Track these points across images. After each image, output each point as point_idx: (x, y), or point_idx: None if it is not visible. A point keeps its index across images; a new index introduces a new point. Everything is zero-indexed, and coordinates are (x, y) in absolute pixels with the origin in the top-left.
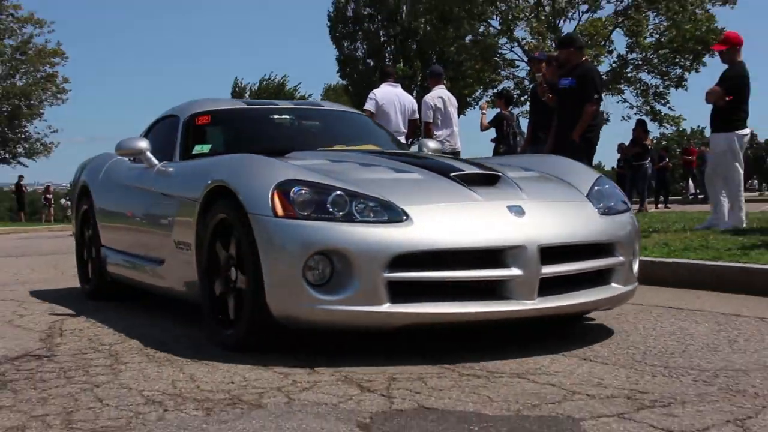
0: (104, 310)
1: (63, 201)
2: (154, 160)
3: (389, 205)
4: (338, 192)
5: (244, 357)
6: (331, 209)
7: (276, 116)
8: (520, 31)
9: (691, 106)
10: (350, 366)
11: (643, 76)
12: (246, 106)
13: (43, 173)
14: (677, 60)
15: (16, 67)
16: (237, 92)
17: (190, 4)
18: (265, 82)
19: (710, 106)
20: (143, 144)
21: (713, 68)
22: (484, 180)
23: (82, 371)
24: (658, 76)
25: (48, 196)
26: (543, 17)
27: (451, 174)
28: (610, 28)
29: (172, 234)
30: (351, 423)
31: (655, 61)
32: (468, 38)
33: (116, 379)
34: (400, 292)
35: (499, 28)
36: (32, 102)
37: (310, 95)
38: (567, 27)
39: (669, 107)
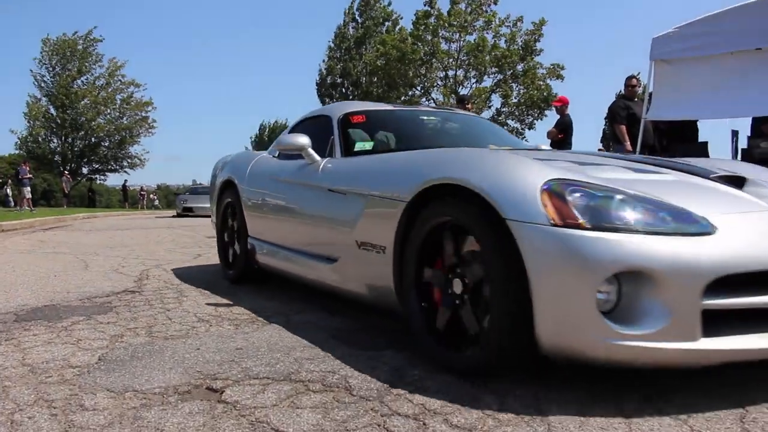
0: (173, 265)
1: (152, 196)
2: (317, 156)
3: (686, 214)
4: (621, 195)
5: (261, 292)
6: (620, 217)
7: (424, 117)
8: (435, 93)
9: (538, 140)
10: (326, 298)
11: (510, 122)
12: (394, 108)
13: (138, 178)
14: (530, 112)
15: (123, 112)
16: (261, 131)
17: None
18: (275, 124)
19: (549, 141)
20: (305, 140)
21: (551, 117)
22: (736, 182)
23: (159, 301)
24: (518, 122)
25: (142, 192)
26: (448, 85)
27: (710, 176)
28: (489, 93)
29: (352, 233)
30: (327, 333)
31: (517, 113)
32: (403, 98)
33: (180, 306)
34: (713, 322)
35: (421, 91)
36: (133, 134)
37: None
38: (463, 91)
39: (525, 140)
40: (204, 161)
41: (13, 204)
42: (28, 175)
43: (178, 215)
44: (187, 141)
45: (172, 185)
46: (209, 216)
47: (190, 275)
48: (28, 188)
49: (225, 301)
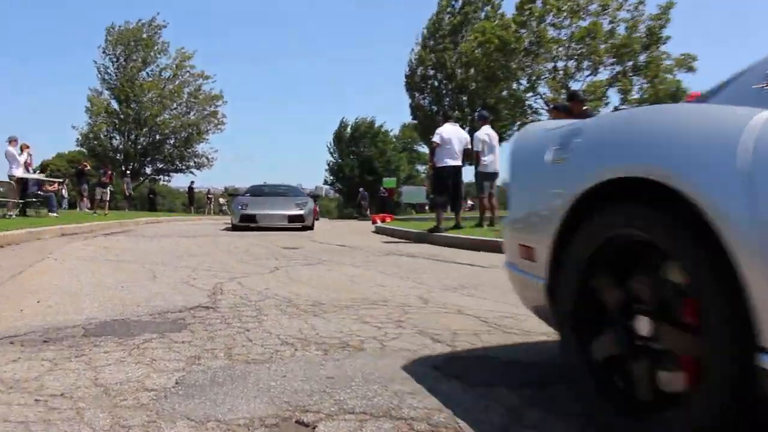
0: (250, 276)
1: (221, 200)
2: None
3: None
4: None
5: (349, 312)
6: None
7: None
8: (542, 88)
9: None
10: (426, 325)
11: None
12: None
13: (205, 180)
14: None
15: (191, 107)
16: (342, 128)
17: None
18: (359, 121)
19: None
20: None
21: None
22: None
23: (236, 319)
24: None
25: (209, 196)
26: (557, 78)
27: None
28: (605, 87)
29: None
30: (426, 366)
31: None
32: (504, 92)
33: (260, 326)
34: None
35: (527, 85)
36: (201, 131)
37: (391, 130)
38: (575, 85)
39: None
40: (279, 161)
41: (88, 206)
42: (107, 178)
43: (235, 227)
44: (260, 139)
45: (241, 188)
46: (281, 228)
47: (268, 291)
48: (108, 192)
49: (310, 322)
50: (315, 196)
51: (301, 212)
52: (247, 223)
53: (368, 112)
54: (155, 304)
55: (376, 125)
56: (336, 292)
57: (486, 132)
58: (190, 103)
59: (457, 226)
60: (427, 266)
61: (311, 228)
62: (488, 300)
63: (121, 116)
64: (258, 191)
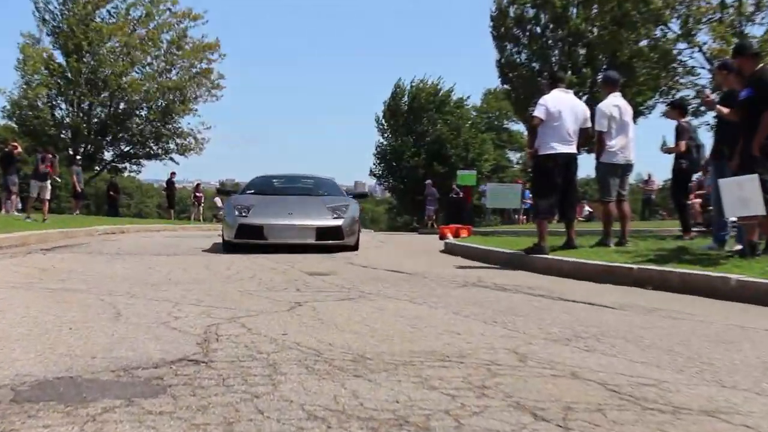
0: (259, 315)
1: (217, 201)
2: None
3: None
4: None
5: (407, 373)
6: None
7: None
8: (702, 35)
9: None
10: (523, 394)
11: None
12: None
13: (193, 171)
14: None
15: (171, 61)
16: (397, 95)
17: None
18: (420, 84)
19: None
20: None
21: None
22: None
23: (240, 380)
24: None
25: (198, 194)
26: (728, 22)
27: None
28: None
29: None
30: None
31: None
32: (643, 42)
33: (276, 391)
34: None
35: (678, 32)
36: (186, 98)
37: (467, 98)
38: (756, 31)
39: None
40: (301, 148)
41: (19, 207)
42: (47, 167)
43: (228, 246)
44: (273, 113)
45: (242, 183)
46: (302, 247)
47: (286, 338)
48: (49, 187)
49: (350, 386)
50: (361, 195)
51: (338, 223)
52: (248, 239)
53: (434, 73)
54: (119, 356)
55: (446, 90)
56: (388, 341)
57: (614, 103)
58: (170, 56)
59: (569, 245)
60: (523, 304)
61: (354, 248)
62: (618, 357)
63: (69, 75)
64: (266, 187)
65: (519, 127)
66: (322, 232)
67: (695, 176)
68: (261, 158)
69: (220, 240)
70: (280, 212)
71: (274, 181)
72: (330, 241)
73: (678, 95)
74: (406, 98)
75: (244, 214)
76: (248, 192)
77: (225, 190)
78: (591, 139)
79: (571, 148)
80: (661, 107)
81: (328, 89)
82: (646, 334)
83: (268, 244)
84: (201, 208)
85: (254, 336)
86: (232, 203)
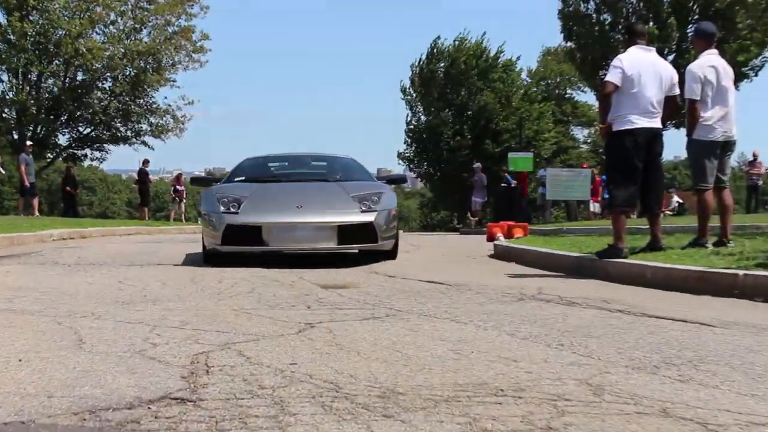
0: (261, 340)
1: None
2: None
3: None
4: None
5: (450, 411)
6: None
7: None
8: None
9: None
10: None
11: None
12: None
13: (172, 158)
14: None
15: (142, 20)
16: (431, 58)
17: None
18: (460, 44)
19: None
20: None
21: None
22: None
23: (238, 423)
24: None
25: (179, 187)
26: None
27: None
28: None
29: None
30: None
31: None
32: None
33: None
34: None
35: None
36: (161, 65)
37: (517, 58)
38: None
39: None
40: (310, 128)
41: None
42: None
43: (210, 255)
44: (273, 86)
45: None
46: (323, 253)
47: (296, 369)
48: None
49: (375, 427)
50: (397, 180)
51: (369, 218)
52: (240, 246)
53: (475, 29)
54: (83, 394)
55: (491, 51)
56: (425, 371)
57: (710, 63)
58: (140, 12)
59: (654, 246)
60: (597, 323)
61: (391, 255)
62: (721, 389)
63: (11, 38)
64: (262, 171)
65: (587, 97)
66: (347, 233)
67: None
68: (258, 141)
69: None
70: (284, 205)
71: (272, 164)
72: (358, 245)
73: None
74: (442, 63)
75: (232, 209)
76: (236, 179)
77: (202, 179)
78: (680, 110)
79: (655, 122)
80: None
81: (341, 52)
82: (758, 360)
83: (269, 252)
84: (183, 205)
85: (254, 366)
86: (215, 195)
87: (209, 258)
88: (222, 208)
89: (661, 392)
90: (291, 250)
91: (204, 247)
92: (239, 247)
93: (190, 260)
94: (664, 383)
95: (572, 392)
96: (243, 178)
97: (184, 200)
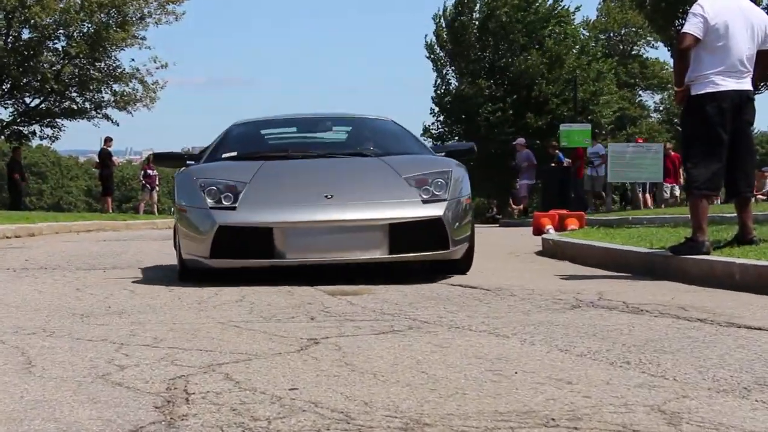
0: (253, 360)
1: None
2: None
3: None
4: None
5: None
6: None
7: None
8: None
9: None
10: None
11: None
12: None
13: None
14: None
15: None
16: (467, 1)
17: None
18: None
19: None
20: None
21: None
22: None
23: None
24: None
25: (150, 172)
26: None
27: None
28: None
29: None
30: None
31: None
32: None
33: None
34: None
35: None
36: (126, 20)
37: (577, 9)
38: None
39: None
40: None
41: None
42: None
43: (192, 270)
44: (260, 47)
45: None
46: (362, 262)
47: (296, 396)
48: None
49: None
50: (464, 152)
51: (436, 211)
52: (240, 258)
53: None
54: (34, 429)
55: None
56: (458, 397)
57: None
58: None
59: (744, 239)
60: (672, 335)
61: (462, 267)
62: None
63: None
64: (262, 142)
65: (659, 54)
66: (404, 235)
67: None
68: (249, 115)
69: None
70: (305, 195)
71: (274, 132)
72: (420, 254)
73: None
74: (476, 12)
75: (226, 202)
76: (224, 156)
77: (169, 156)
78: None
79: (745, 83)
80: None
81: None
82: None
83: (286, 266)
84: (156, 194)
85: (245, 393)
86: (196, 180)
87: (188, 275)
88: (210, 201)
89: (754, 421)
90: (318, 263)
91: (180, 258)
92: (239, 261)
93: (165, 262)
94: (757, 409)
95: (641, 422)
96: (234, 153)
97: (157, 188)
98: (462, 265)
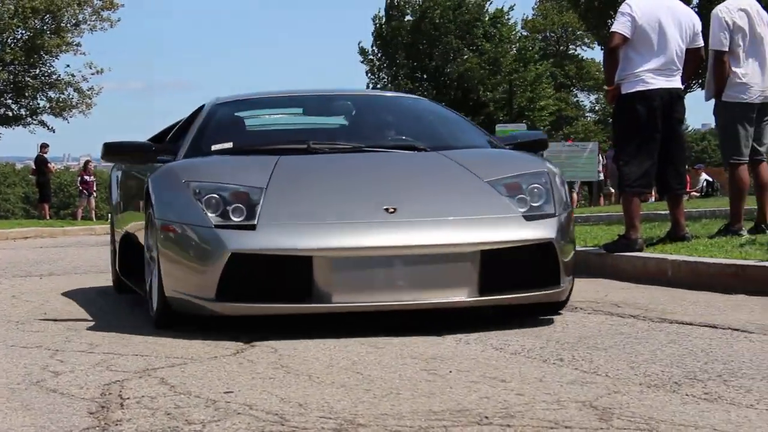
0: (189, 364)
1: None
2: None
3: None
4: None
5: None
6: None
7: None
8: None
9: None
10: None
11: None
12: None
13: (78, 142)
14: None
15: None
16: (398, 5)
17: None
18: None
19: None
20: None
21: None
22: None
23: None
24: None
25: (87, 178)
26: None
27: None
28: None
29: None
30: None
31: None
32: None
33: None
34: None
35: None
36: (62, 23)
37: (511, 8)
38: None
39: None
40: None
41: None
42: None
43: (179, 316)
44: (199, 50)
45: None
46: (440, 307)
47: (231, 399)
48: None
49: None
50: (537, 145)
51: (543, 233)
52: (265, 303)
53: None
54: None
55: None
56: (392, 396)
57: (740, 6)
58: None
59: (676, 235)
60: (604, 331)
61: (559, 305)
62: (757, 409)
63: None
64: (272, 129)
65: (594, 54)
66: (499, 265)
67: None
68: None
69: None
70: (353, 206)
71: (271, 113)
72: (519, 294)
73: None
74: (408, 17)
75: (236, 218)
76: (215, 148)
77: (125, 147)
78: (704, 63)
79: (674, 81)
80: None
81: (284, 4)
82: None
83: (330, 313)
84: (93, 200)
85: (180, 397)
86: (185, 183)
87: (173, 321)
88: (212, 216)
89: (683, 414)
90: (376, 308)
91: (161, 298)
92: (259, 306)
93: (102, 268)
94: (687, 403)
95: (573, 418)
96: (229, 145)
97: (95, 193)
98: (559, 305)
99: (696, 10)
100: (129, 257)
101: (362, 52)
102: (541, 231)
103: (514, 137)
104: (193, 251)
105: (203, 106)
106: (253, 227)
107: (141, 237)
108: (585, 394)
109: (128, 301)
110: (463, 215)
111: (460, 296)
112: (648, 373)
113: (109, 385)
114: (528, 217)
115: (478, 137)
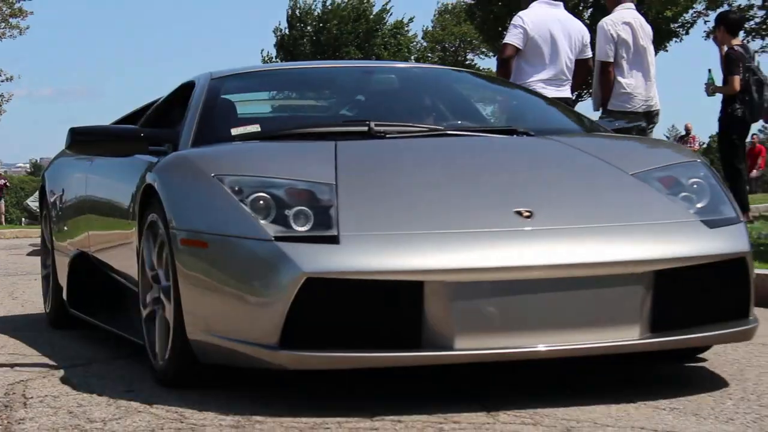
0: (92, 364)
1: (31, 203)
2: None
3: None
4: None
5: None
6: None
7: None
8: None
9: None
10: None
11: None
12: None
13: None
14: None
15: None
16: (297, 17)
17: None
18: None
19: None
20: None
21: None
22: None
23: None
24: None
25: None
26: None
27: None
28: None
29: None
30: None
31: None
32: None
33: None
34: None
35: None
36: None
37: (410, 20)
38: None
39: None
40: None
41: None
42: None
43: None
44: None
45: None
46: (595, 353)
47: (127, 389)
48: None
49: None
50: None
51: (737, 245)
52: (355, 351)
53: None
54: None
55: (376, 10)
56: (289, 394)
57: (624, 19)
58: None
59: None
60: None
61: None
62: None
63: None
64: (308, 108)
65: (490, 63)
66: (678, 291)
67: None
68: (93, 122)
69: (30, 256)
70: (471, 209)
71: (295, 89)
72: (699, 335)
73: (728, 6)
74: (311, 22)
75: (301, 225)
76: (236, 133)
77: (97, 133)
78: (588, 74)
79: (564, 91)
80: (704, 26)
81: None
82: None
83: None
84: (2, 204)
85: (83, 396)
86: (215, 177)
87: (195, 377)
88: (266, 223)
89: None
90: (520, 357)
91: (178, 343)
92: (346, 355)
93: (10, 271)
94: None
95: None
96: (256, 128)
97: (4, 197)
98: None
99: (587, 23)
100: (83, 283)
101: (267, 62)
102: (732, 242)
103: (611, 124)
104: (241, 275)
105: (191, 82)
106: (334, 239)
107: (116, 256)
108: None
109: (36, 304)
110: (626, 220)
111: (630, 335)
112: None
113: (13, 385)
114: (708, 223)
115: (573, 119)
